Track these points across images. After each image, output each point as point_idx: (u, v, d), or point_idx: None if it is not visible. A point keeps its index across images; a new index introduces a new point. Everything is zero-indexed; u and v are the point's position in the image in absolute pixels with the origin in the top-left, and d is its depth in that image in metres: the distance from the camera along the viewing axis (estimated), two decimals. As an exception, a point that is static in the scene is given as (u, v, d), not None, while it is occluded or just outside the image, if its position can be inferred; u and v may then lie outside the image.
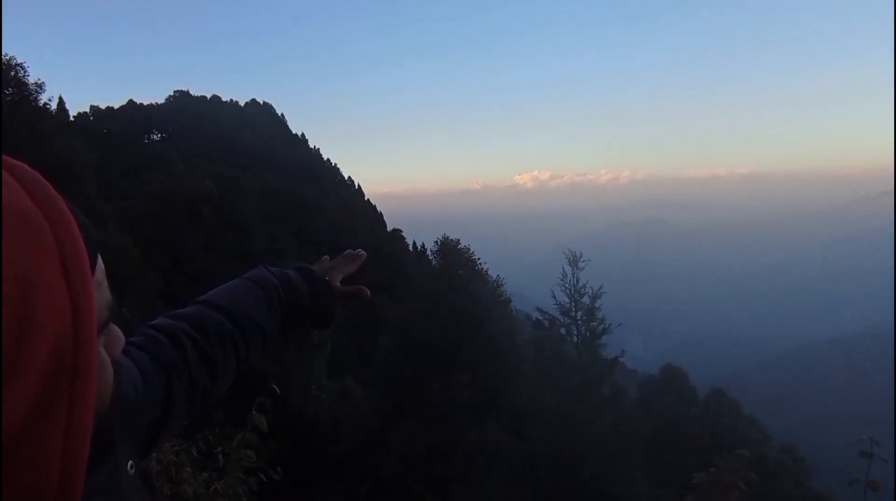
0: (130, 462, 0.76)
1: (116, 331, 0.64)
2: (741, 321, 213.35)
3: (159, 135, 64.07)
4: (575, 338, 19.27)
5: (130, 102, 65.59)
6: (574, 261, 18.78)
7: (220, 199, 29.74)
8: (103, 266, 0.60)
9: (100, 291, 0.57)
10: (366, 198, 64.56)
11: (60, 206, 0.52)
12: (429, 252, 33.97)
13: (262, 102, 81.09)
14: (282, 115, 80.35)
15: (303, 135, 75.58)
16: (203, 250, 27.12)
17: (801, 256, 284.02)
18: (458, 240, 24.37)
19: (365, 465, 19.79)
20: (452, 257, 22.71)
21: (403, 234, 50.13)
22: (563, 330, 19.50)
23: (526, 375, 21.34)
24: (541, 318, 20.07)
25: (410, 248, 47.87)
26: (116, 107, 64.99)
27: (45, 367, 0.48)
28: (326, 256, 1.39)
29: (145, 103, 67.29)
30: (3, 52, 25.81)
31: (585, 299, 18.98)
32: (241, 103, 78.89)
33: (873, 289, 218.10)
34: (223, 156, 49.22)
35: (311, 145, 74.33)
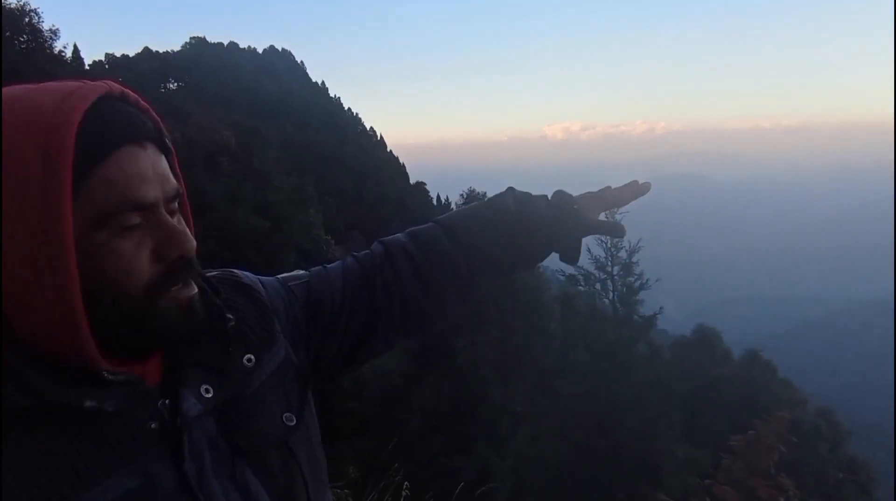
0: (249, 356, 0.86)
1: (173, 234, 0.73)
2: (781, 281, 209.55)
3: (176, 83, 64.02)
4: (611, 294, 18.73)
5: (146, 49, 65.56)
6: (610, 214, 17.94)
7: (239, 149, 29.46)
8: (136, 166, 0.71)
9: (107, 187, 0.68)
10: (388, 149, 63.87)
11: (71, 115, 0.66)
12: (453, 206, 33.31)
13: (280, 49, 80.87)
14: (301, 62, 79.81)
15: (323, 83, 74.96)
16: (223, 201, 26.94)
17: (848, 213, 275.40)
18: (485, 193, 23.66)
19: (388, 422, 19.78)
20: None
21: (427, 187, 49.50)
22: (598, 285, 18.93)
23: (555, 332, 21.00)
24: (574, 273, 19.49)
25: (434, 202, 47.31)
26: (132, 55, 65.12)
27: (22, 234, 0.64)
28: (609, 184, 1.22)
29: (161, 51, 67.13)
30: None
31: (622, 254, 18.36)
32: (260, 50, 78.78)
33: None
34: (242, 105, 48.99)
35: (332, 94, 73.72)
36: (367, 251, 1.11)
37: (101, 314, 0.69)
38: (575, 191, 1.18)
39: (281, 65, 74.28)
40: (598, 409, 18.00)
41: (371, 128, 68.15)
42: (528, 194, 1.16)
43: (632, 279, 18.76)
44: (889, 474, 21.54)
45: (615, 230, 1.18)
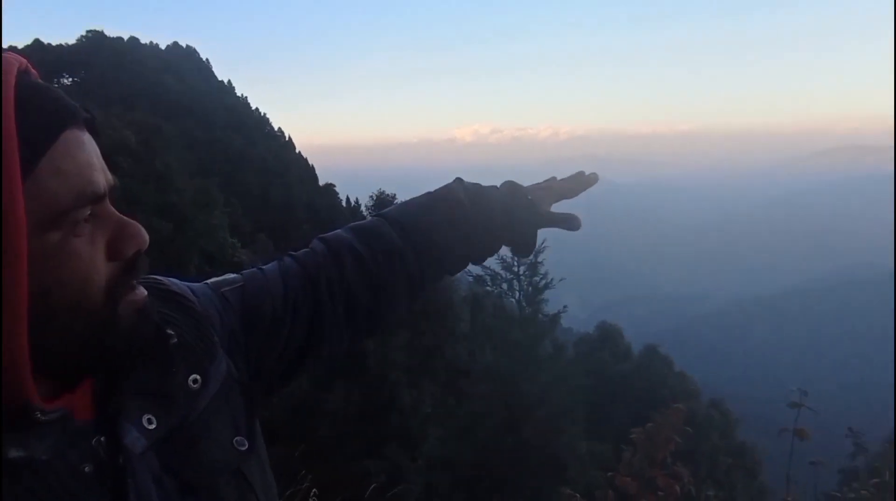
0: (195, 376, 0.75)
1: (127, 227, 0.63)
2: (677, 279, 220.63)
3: (70, 79, 59.96)
4: (517, 294, 19.01)
5: (36, 41, 61.11)
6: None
7: (140, 148, 27.98)
8: (83, 152, 0.60)
9: (60, 178, 0.57)
10: (297, 150, 62.51)
11: (3, 93, 0.54)
12: (363, 208, 33.10)
13: (185, 46, 77.47)
14: (206, 60, 76.98)
15: (229, 82, 72.72)
16: (122, 204, 25.17)
17: (738, 214, 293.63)
18: (395, 195, 23.68)
19: (298, 430, 19.32)
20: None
21: (336, 189, 48.82)
22: (504, 285, 19.18)
23: (464, 333, 21.12)
24: (482, 274, 19.66)
25: (344, 204, 46.75)
26: (21, 47, 60.59)
27: None
28: (555, 175, 1.18)
29: (54, 44, 62.80)
30: None
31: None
32: (163, 46, 75.15)
33: (804, 248, 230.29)
34: (143, 103, 46.67)
35: (239, 93, 71.57)
36: (306, 249, 1.01)
37: (49, 335, 0.57)
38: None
39: (185, 62, 71.10)
40: (505, 408, 18.15)
41: (279, 128, 66.34)
42: (478, 186, 1.10)
43: (537, 279, 18.99)
44: (771, 458, 23.02)
45: (571, 222, 1.13)
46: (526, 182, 1.14)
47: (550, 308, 19.24)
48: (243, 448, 0.76)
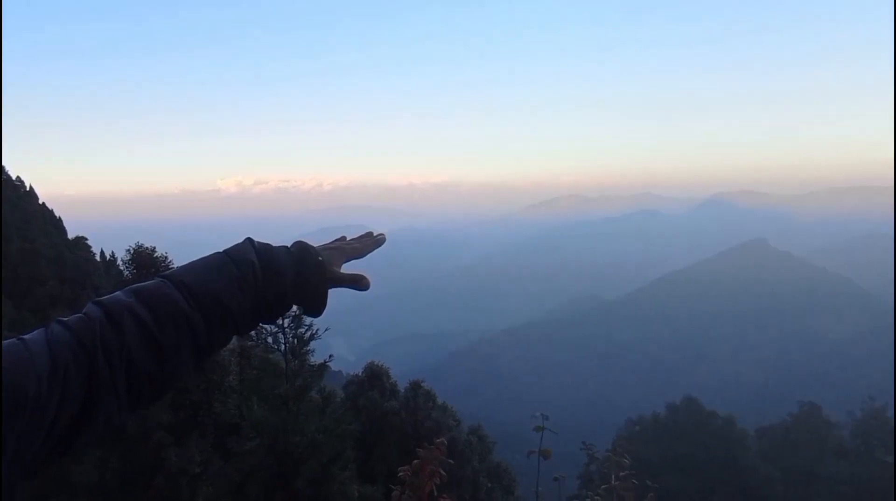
0: None
1: None
2: (438, 317, 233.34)
3: None
4: (283, 346, 19.11)
5: None
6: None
7: None
8: None
9: None
10: (41, 201, 55.84)
11: None
12: (119, 261, 30.81)
13: None
14: (-81, 100, 65.64)
15: (-48, 128, 62.66)
16: None
17: (485, 256, 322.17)
18: (154, 248, 22.56)
19: None
20: (147, 267, 21.06)
21: (89, 242, 44.61)
22: (269, 339, 19.19)
23: (232, 386, 20.69)
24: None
25: (98, 257, 42.92)
26: None
27: None
28: (345, 234, 1.24)
29: None
30: None
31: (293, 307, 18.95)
32: None
33: (540, 284, 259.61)
34: None
35: (-37, 138, 61.97)
36: (80, 315, 0.91)
37: None
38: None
39: None
40: (275, 462, 17.96)
41: (18, 177, 58.70)
42: (268, 246, 1.07)
43: (302, 331, 19.22)
44: (524, 474, 25.40)
45: (360, 282, 1.14)
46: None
47: (317, 357, 19.58)
48: None
